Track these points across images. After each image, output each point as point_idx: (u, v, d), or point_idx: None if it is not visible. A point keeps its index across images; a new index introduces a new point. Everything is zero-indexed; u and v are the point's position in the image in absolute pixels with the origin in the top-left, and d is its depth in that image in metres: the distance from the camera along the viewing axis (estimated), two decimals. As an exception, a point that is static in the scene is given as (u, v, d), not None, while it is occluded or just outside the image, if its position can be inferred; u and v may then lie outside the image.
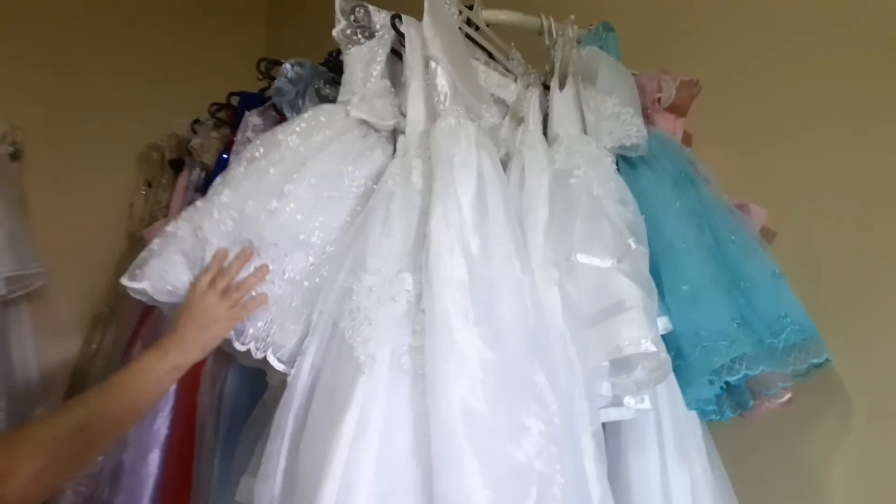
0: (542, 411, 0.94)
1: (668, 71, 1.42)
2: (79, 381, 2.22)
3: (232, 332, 1.04)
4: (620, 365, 1.08)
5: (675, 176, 1.27)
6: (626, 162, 1.30)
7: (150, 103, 2.37)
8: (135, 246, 2.29)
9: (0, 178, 2.00)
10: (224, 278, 1.02)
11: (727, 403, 1.25)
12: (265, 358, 1.07)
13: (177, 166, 2.16)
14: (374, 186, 1.10)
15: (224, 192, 1.07)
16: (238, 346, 1.04)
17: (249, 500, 1.01)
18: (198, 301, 1.01)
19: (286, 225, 1.05)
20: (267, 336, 1.03)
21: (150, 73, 2.50)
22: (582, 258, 1.08)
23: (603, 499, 1.00)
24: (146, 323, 1.84)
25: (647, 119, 1.40)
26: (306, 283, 1.06)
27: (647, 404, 1.10)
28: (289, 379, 1.00)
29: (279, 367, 1.02)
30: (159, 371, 0.98)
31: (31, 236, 2.04)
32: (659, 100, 1.41)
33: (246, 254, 1.04)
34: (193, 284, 1.03)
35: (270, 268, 1.05)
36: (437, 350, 0.93)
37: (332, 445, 0.90)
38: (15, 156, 2.21)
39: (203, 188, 1.88)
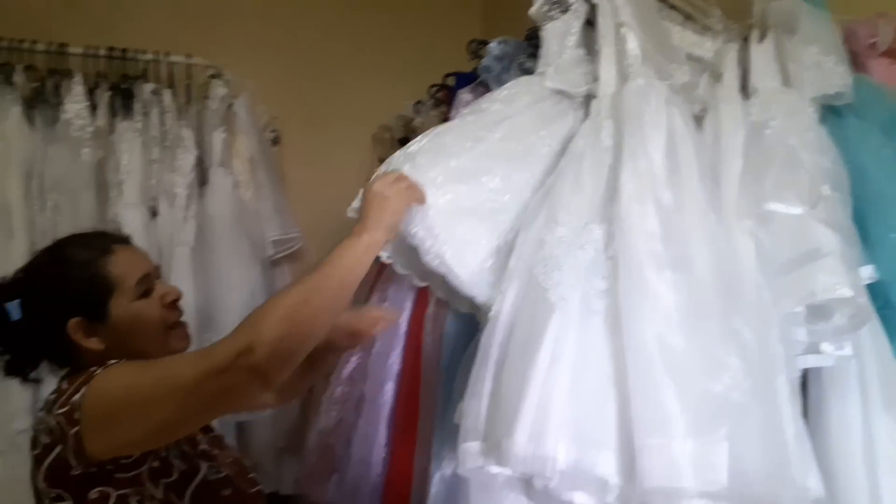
0: (739, 348, 1.00)
1: (884, 14, 1.34)
2: (328, 330, 2.59)
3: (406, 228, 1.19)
4: (818, 312, 1.09)
5: (885, 123, 1.22)
6: (831, 111, 1.27)
7: (381, 90, 2.63)
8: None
9: (265, 160, 2.38)
10: (390, 174, 1.18)
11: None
12: (475, 301, 1.25)
13: (404, 144, 2.41)
14: (564, 148, 1.21)
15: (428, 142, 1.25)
16: (410, 237, 1.16)
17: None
18: (370, 189, 1.14)
19: (471, 163, 1.20)
20: (444, 257, 1.17)
21: (380, 62, 2.78)
22: (775, 206, 1.10)
23: (797, 438, 1.02)
24: (381, 279, 2.10)
25: (861, 66, 1.34)
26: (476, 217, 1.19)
27: (847, 351, 1.09)
28: (491, 315, 1.15)
29: (461, 285, 1.17)
30: (358, 250, 1.10)
31: (289, 208, 2.43)
32: (874, 45, 1.34)
33: None
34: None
35: (450, 198, 1.18)
36: (631, 293, 1.02)
37: (530, 372, 1.03)
38: (275, 141, 2.61)
39: (425, 162, 2.10)
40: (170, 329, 1.20)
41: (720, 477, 0.94)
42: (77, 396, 1.06)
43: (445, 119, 1.97)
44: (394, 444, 1.70)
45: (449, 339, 1.54)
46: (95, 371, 1.08)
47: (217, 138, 2.21)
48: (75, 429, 1.05)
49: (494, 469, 1.09)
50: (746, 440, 0.97)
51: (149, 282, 1.19)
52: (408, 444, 1.63)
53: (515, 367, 1.07)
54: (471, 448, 1.10)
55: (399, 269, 1.35)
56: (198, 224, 2.13)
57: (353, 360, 1.98)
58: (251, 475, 1.30)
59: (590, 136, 1.17)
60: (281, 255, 2.39)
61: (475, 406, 1.11)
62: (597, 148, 1.14)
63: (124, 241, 1.24)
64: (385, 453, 1.74)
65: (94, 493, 1.06)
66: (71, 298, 1.14)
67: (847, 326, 1.06)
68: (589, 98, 1.25)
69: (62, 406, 1.07)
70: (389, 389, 1.76)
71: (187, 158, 2.13)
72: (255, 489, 1.27)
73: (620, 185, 1.09)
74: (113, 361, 1.09)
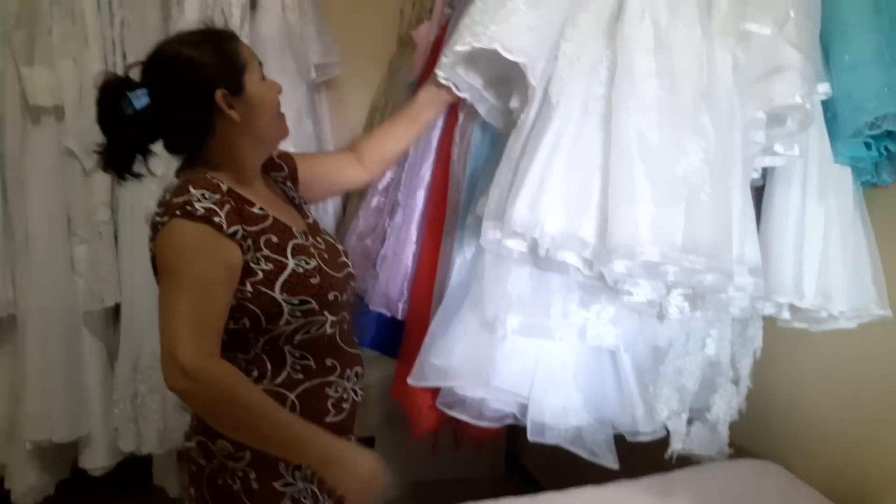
0: (701, 140, 1.25)
1: None
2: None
3: None
4: (776, 119, 1.33)
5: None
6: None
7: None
8: (403, 46, 2.78)
9: (308, -14, 2.52)
10: None
11: (886, 168, 1.44)
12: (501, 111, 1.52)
13: (436, -24, 2.52)
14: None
15: None
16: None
17: (482, 210, 1.46)
18: None
19: None
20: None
21: None
22: (750, 27, 1.30)
23: (744, 211, 1.30)
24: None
25: None
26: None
27: (795, 152, 1.35)
28: (519, 122, 1.40)
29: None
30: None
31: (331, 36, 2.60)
32: None
33: None
34: None
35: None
36: (622, 93, 1.27)
37: (534, 156, 1.31)
38: (315, -32, 2.72)
39: (459, -8, 2.24)
40: (278, 115, 1.33)
41: (674, 239, 1.22)
42: (159, 218, 1.17)
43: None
44: (423, 239, 2.01)
45: (475, 148, 1.80)
46: (177, 210, 1.14)
47: (267, -38, 2.34)
48: (152, 244, 1.21)
49: (508, 243, 1.38)
50: (699, 213, 1.23)
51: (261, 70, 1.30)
52: (434, 237, 1.93)
53: (529, 155, 1.33)
54: (489, 225, 1.38)
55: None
56: (249, 43, 2.32)
57: (388, 175, 2.26)
58: (342, 259, 1.40)
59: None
60: (321, 80, 2.57)
61: (496, 194, 1.39)
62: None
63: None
64: (415, 249, 2.06)
65: None
66: (214, 72, 1.21)
67: (796, 130, 1.31)
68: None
69: (157, 210, 1.20)
70: (421, 195, 2.03)
71: (241, -20, 2.28)
72: (344, 272, 1.38)
73: (626, 5, 1.30)
74: (178, 214, 1.14)
